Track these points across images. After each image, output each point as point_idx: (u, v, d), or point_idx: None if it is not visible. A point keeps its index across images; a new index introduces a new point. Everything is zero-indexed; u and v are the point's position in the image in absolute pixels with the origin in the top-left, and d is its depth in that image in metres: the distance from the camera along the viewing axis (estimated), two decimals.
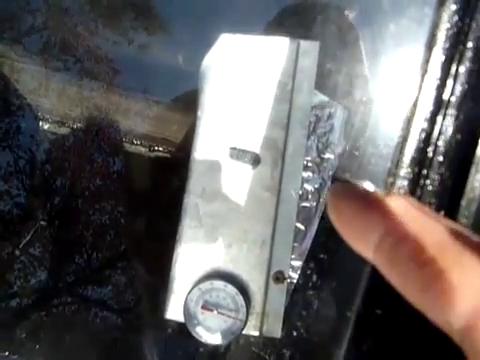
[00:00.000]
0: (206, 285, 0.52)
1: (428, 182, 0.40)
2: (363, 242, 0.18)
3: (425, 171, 0.41)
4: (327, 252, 0.50)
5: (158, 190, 0.75)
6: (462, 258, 0.15)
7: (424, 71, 0.42)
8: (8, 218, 0.84)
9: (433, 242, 0.16)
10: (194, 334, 0.52)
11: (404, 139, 0.42)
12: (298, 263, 0.54)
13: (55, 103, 0.83)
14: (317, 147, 0.54)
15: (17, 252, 0.82)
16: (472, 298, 0.15)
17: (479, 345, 0.14)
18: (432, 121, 0.41)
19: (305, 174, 0.54)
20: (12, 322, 0.77)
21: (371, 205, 0.18)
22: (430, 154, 0.40)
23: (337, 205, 0.19)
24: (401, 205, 0.17)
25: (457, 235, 0.16)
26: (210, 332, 0.52)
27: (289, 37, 0.53)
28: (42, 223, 0.82)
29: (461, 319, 0.15)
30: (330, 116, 0.54)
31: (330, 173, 0.54)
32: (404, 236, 0.16)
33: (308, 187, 0.54)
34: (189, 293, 0.52)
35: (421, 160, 0.41)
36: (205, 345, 0.54)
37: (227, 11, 0.62)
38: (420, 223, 0.17)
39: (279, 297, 0.53)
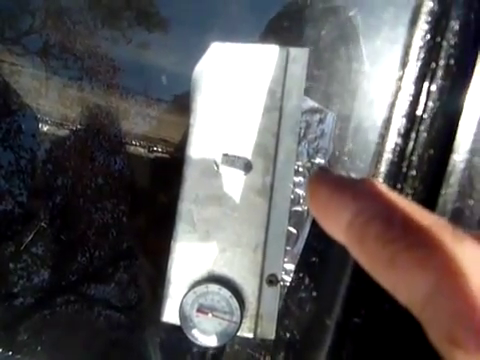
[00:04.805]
0: (201, 289, 0.53)
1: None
2: (335, 223, 0.19)
3: (399, 185, 0.42)
4: (317, 254, 0.51)
5: (157, 190, 0.76)
6: (426, 236, 0.16)
7: (398, 88, 0.43)
8: (10, 218, 0.85)
9: (400, 221, 0.17)
10: (190, 336, 0.53)
11: (379, 154, 0.43)
12: (291, 266, 0.55)
13: (55, 104, 0.84)
14: (308, 152, 0.55)
15: (20, 251, 0.83)
16: (433, 273, 0.15)
17: (436, 317, 0.15)
18: (406, 137, 0.42)
19: (296, 179, 0.55)
20: (15, 321, 0.78)
21: (344, 188, 0.19)
22: (404, 169, 0.41)
23: (314, 190, 0.20)
24: (372, 188, 0.18)
25: (423, 216, 0.17)
26: (205, 334, 0.53)
27: (279, 45, 0.54)
28: (44, 223, 0.83)
29: (421, 293, 0.15)
30: (320, 121, 0.54)
31: None
32: (373, 216, 0.17)
33: (299, 191, 0.55)
34: (184, 297, 0.53)
35: (396, 174, 0.42)
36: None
37: (228, 10, 0.62)
38: (389, 205, 0.17)
39: (272, 299, 0.54)
